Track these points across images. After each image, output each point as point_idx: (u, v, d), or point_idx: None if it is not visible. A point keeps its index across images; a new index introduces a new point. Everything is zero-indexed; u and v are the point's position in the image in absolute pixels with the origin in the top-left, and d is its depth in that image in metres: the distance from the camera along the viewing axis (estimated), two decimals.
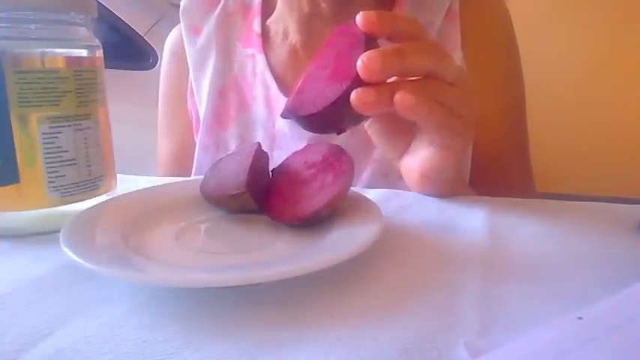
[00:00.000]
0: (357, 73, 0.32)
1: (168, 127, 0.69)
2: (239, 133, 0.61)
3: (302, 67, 0.58)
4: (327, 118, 0.34)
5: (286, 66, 0.59)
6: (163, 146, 0.69)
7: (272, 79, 0.58)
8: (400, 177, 0.46)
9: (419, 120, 0.36)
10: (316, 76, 0.36)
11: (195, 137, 0.64)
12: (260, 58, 0.60)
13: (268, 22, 0.61)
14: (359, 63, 0.32)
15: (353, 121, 0.35)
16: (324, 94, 0.34)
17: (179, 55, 0.65)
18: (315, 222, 0.34)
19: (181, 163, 0.66)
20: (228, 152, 0.57)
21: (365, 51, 0.32)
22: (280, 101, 0.58)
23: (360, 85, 0.32)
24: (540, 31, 2.15)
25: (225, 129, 0.61)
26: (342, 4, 0.57)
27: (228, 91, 0.61)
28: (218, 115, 0.61)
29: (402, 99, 0.33)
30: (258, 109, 0.60)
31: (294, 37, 0.59)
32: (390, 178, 0.56)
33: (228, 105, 0.61)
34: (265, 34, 0.61)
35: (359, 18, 0.34)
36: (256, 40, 0.60)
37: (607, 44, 2.24)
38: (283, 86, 0.58)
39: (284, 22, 0.60)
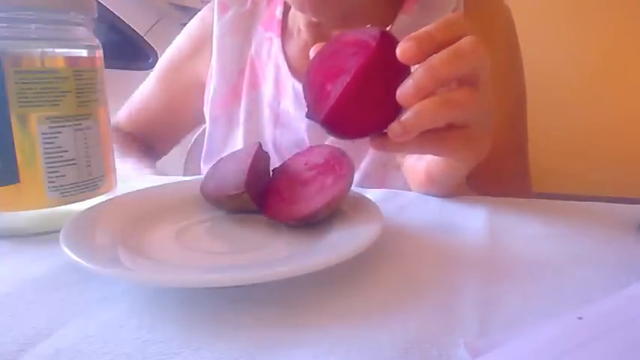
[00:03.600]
0: (359, 67, 0.32)
1: (166, 77, 0.73)
2: (247, 109, 0.64)
3: None
4: (338, 119, 0.33)
5: (298, 54, 0.62)
6: (148, 88, 0.75)
7: (284, 60, 0.62)
8: (398, 167, 0.46)
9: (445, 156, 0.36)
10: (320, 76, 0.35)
11: (193, 101, 0.69)
12: (276, 42, 0.63)
13: (288, 15, 0.64)
14: (398, 94, 0.31)
15: (360, 129, 0.34)
16: (326, 98, 0.33)
17: (207, 23, 0.69)
18: (312, 223, 0.34)
19: (163, 116, 0.73)
20: (238, 125, 0.63)
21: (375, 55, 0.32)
22: (288, 82, 0.61)
23: (361, 88, 0.32)
24: (540, 32, 2.15)
25: (238, 104, 0.65)
26: (343, 16, 0.58)
27: (244, 70, 0.65)
28: (234, 91, 0.65)
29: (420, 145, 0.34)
30: (267, 88, 0.63)
31: (303, 36, 0.62)
32: (388, 167, 0.57)
33: (243, 82, 0.65)
34: (285, 22, 0.64)
35: (400, 55, 0.31)
36: (276, 25, 0.64)
37: (607, 44, 2.24)
38: (293, 69, 0.61)
39: (296, 21, 0.63)
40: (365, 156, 0.58)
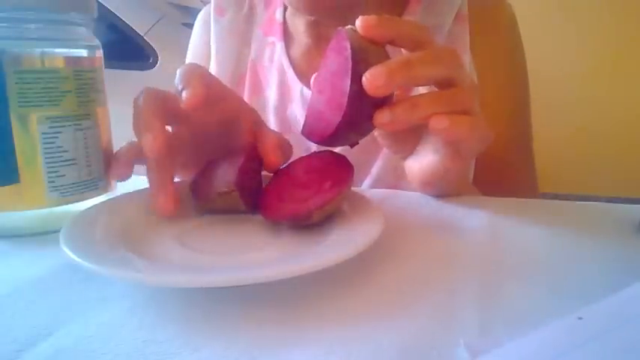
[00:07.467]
0: (348, 102, 0.31)
1: None
2: None
3: (315, 63, 0.60)
4: (335, 141, 0.35)
5: (301, 58, 0.61)
6: None
7: (289, 65, 0.60)
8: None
9: (455, 138, 0.35)
10: (318, 102, 0.36)
11: None
12: (280, 46, 0.62)
13: (287, 16, 0.63)
14: (364, 80, 0.31)
15: (362, 135, 0.35)
16: (325, 123, 0.34)
17: (209, 24, 0.67)
18: (305, 224, 0.33)
19: None
20: None
21: (354, 69, 0.31)
22: (295, 86, 0.60)
23: (354, 114, 0.32)
24: (540, 31, 2.15)
25: None
26: (342, 15, 0.57)
27: (245, 75, 0.64)
28: None
29: (436, 121, 0.33)
30: (271, 94, 0.62)
31: (304, 39, 0.61)
32: (398, 171, 0.56)
33: (243, 88, 0.64)
34: (286, 25, 0.63)
35: (358, 23, 0.33)
36: (278, 29, 0.63)
37: (606, 45, 2.25)
38: (299, 73, 0.60)
39: (296, 23, 0.62)
40: (376, 160, 0.57)
